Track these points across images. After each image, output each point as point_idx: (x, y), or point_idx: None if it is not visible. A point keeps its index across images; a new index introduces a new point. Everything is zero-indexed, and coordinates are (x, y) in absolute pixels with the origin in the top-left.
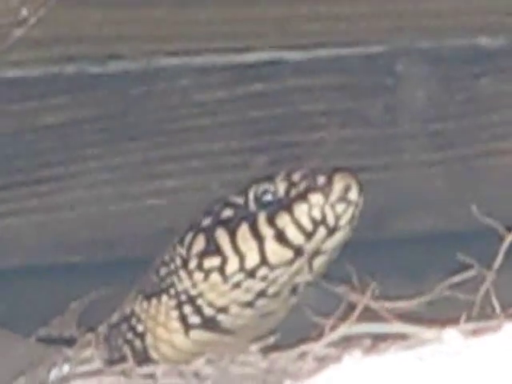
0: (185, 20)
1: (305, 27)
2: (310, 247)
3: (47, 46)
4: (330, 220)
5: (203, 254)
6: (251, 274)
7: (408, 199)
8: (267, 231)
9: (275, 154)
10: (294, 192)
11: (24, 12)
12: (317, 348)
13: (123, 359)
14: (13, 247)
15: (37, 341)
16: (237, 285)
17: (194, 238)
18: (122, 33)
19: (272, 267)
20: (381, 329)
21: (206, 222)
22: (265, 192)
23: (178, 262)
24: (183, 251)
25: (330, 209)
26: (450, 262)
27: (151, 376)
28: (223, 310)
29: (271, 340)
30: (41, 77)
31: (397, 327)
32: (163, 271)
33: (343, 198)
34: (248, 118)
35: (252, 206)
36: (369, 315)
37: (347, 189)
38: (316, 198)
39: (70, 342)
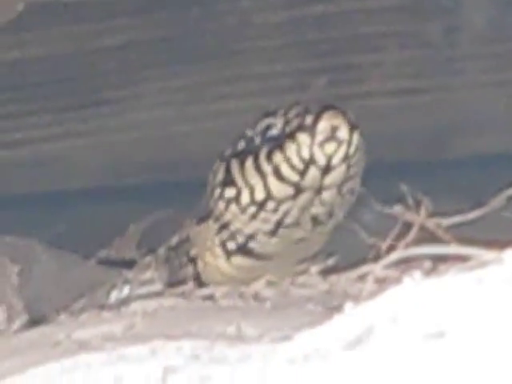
0: None
1: None
2: (307, 184)
3: None
4: (321, 159)
5: (224, 184)
6: (261, 206)
7: (468, 120)
8: (267, 167)
9: (334, 75)
10: (287, 129)
11: None
12: (377, 269)
13: (183, 281)
14: (74, 169)
15: (97, 263)
16: (253, 216)
17: (217, 167)
18: None
19: (278, 201)
20: (439, 250)
21: (227, 152)
22: (268, 126)
23: (209, 189)
24: (212, 179)
25: (318, 148)
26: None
27: (211, 297)
28: (251, 237)
29: (330, 262)
30: None
31: (455, 249)
32: (209, 196)
33: (331, 138)
34: (307, 40)
35: (257, 139)
36: (426, 236)
37: (335, 128)
38: (303, 138)
39: (130, 264)
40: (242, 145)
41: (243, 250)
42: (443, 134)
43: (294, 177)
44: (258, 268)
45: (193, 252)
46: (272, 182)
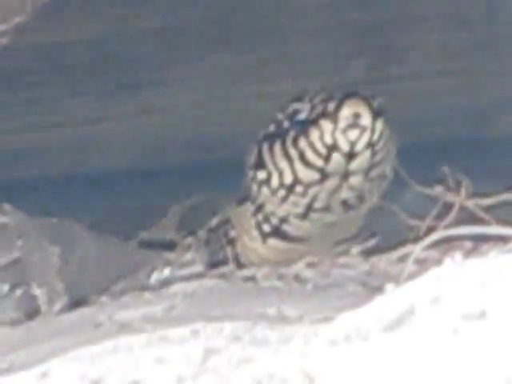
0: None
1: None
2: (331, 169)
3: None
4: (343, 146)
5: (256, 167)
6: (290, 189)
7: (510, 100)
8: (293, 152)
9: (374, 57)
10: (312, 115)
11: None
12: (417, 250)
13: (224, 263)
14: (114, 150)
15: (138, 245)
16: (283, 199)
17: (252, 149)
18: None
19: (306, 185)
20: (480, 230)
21: (260, 135)
22: (296, 111)
23: (247, 171)
24: (249, 161)
25: (341, 135)
26: None
27: (251, 278)
28: (284, 220)
29: (371, 243)
30: None
31: (496, 229)
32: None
33: (353, 125)
34: (347, 21)
35: (286, 123)
36: (467, 217)
37: (357, 115)
38: (325, 124)
39: (170, 246)
40: (272, 128)
41: (277, 232)
42: (485, 113)
43: (319, 162)
44: (294, 251)
45: (232, 234)
46: (298, 166)
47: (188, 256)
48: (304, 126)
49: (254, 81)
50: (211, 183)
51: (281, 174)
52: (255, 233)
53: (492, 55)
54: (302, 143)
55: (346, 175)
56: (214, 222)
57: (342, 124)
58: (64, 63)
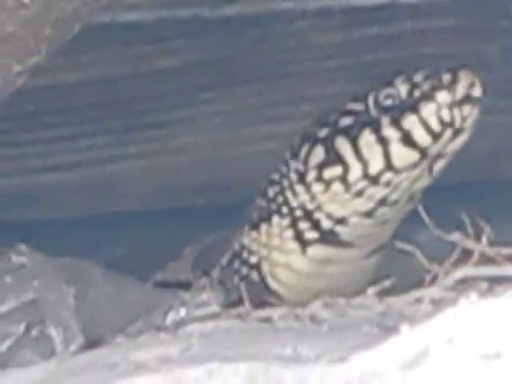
0: None
1: None
2: (435, 149)
3: None
4: (458, 121)
5: (323, 165)
6: (375, 180)
7: None
8: (393, 134)
9: None
10: (417, 93)
11: None
12: (433, 291)
13: (240, 302)
14: (129, 191)
15: (153, 285)
16: (359, 193)
17: (310, 150)
18: None
19: (396, 171)
20: (496, 272)
21: (323, 132)
22: (386, 96)
23: (293, 176)
24: (299, 165)
25: (457, 109)
26: None
27: (267, 319)
28: (342, 221)
29: (387, 283)
30: (156, 20)
31: (511, 270)
32: (272, 192)
33: (469, 96)
34: (363, 62)
35: (373, 111)
36: (483, 259)
37: (472, 85)
38: (443, 97)
39: (185, 286)
40: (347, 121)
41: (327, 236)
42: (500, 156)
43: (427, 140)
44: (334, 258)
45: (253, 259)
46: (396, 149)
47: (203, 296)
48: (402, 108)
49: (269, 121)
50: (225, 223)
51: (365, 164)
52: (292, 245)
53: (506, 96)
54: (410, 122)
55: (436, 158)
56: (225, 259)
57: (459, 94)
58: (79, 104)
